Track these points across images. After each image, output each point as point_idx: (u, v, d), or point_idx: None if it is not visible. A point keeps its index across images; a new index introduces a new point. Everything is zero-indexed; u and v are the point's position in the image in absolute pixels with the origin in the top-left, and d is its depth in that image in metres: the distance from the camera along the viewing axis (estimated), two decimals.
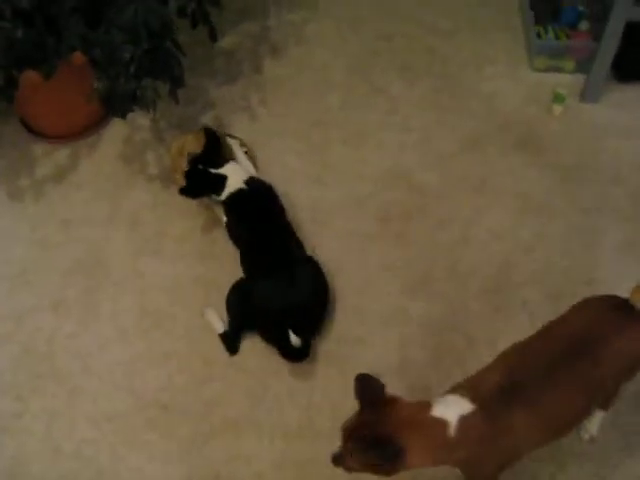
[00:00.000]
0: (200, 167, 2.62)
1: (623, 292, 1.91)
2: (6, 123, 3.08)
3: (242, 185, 2.63)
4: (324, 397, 2.36)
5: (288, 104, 3.17)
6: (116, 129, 3.08)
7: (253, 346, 2.47)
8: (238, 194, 2.63)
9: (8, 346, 2.50)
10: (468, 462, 1.77)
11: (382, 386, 1.73)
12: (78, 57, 2.47)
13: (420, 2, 3.63)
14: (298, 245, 2.59)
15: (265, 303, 2.41)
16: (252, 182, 2.67)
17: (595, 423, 2.20)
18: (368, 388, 1.73)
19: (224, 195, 2.63)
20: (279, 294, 2.40)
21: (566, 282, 2.61)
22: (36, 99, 2.81)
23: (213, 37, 2.83)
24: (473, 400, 1.73)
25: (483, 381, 1.78)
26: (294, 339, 2.33)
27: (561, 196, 2.87)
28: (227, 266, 2.62)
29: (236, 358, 2.45)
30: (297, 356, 2.37)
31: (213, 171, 2.63)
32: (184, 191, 2.63)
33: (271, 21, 3.55)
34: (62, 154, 3.00)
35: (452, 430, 1.69)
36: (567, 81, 3.26)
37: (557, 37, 3.30)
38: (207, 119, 3.09)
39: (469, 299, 2.58)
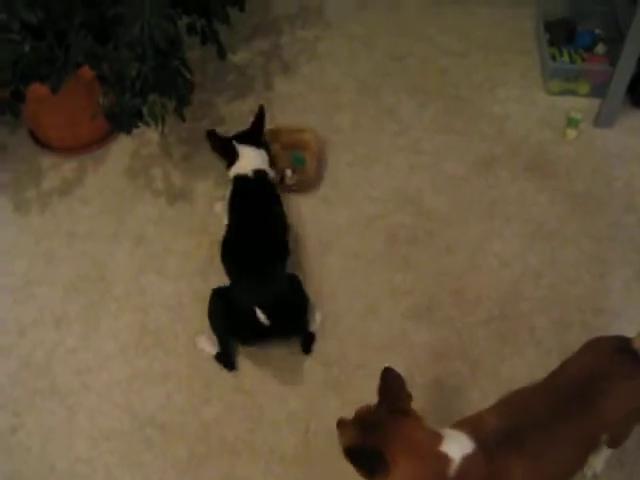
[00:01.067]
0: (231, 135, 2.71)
1: (632, 323, 1.86)
2: (14, 134, 3.09)
3: (249, 172, 2.63)
4: (322, 422, 2.32)
5: (297, 122, 3.15)
6: (124, 143, 3.08)
7: (253, 368, 2.44)
8: (243, 179, 2.62)
9: (7, 360, 2.49)
10: None
11: (406, 393, 1.68)
12: (86, 72, 2.47)
13: (433, 23, 3.63)
14: (281, 261, 2.51)
15: (237, 298, 2.37)
16: (260, 175, 2.65)
17: (601, 460, 2.13)
18: (393, 388, 1.68)
19: (231, 173, 2.65)
20: (250, 290, 2.35)
21: (575, 311, 2.55)
22: (44, 112, 2.81)
23: (222, 55, 2.83)
24: (475, 441, 1.68)
25: (485, 423, 1.73)
26: (262, 316, 2.25)
27: (572, 223, 2.82)
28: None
29: (236, 379, 2.42)
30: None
31: (234, 142, 2.65)
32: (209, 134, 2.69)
33: (283, 38, 3.55)
34: (69, 167, 3.00)
35: (453, 469, 1.64)
36: (582, 105, 3.22)
37: (572, 60, 3.27)
38: None
39: (474, 326, 2.53)
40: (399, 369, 1.67)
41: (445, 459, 1.63)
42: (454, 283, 2.65)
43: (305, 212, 2.84)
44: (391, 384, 1.68)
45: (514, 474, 1.65)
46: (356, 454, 1.63)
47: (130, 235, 2.79)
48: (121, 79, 2.31)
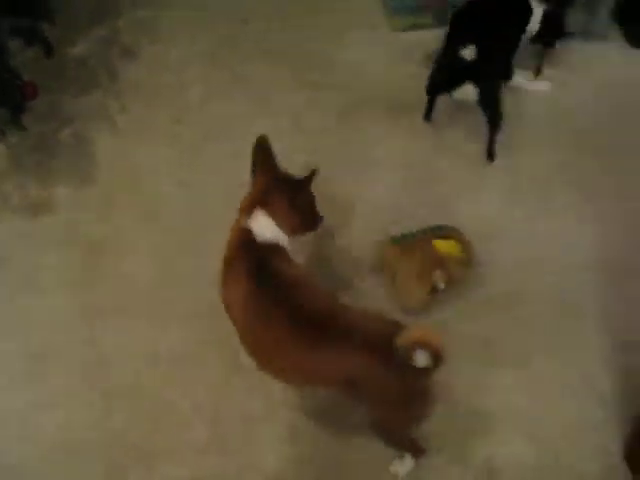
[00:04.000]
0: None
1: None
2: None
3: None
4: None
5: (149, 107, 3.04)
6: None
7: (156, 373, 2.36)
8: None
9: None
10: None
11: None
12: None
13: None
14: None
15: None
16: None
17: (405, 465, 2.11)
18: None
19: None
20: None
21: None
22: None
23: (48, 53, 2.67)
24: None
25: None
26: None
27: (441, 158, 2.86)
28: (111, 292, 2.50)
29: (134, 385, 2.33)
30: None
31: None
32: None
33: (121, 22, 3.39)
34: None
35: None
36: (429, 37, 3.23)
37: None
38: (65, 135, 2.93)
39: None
40: None
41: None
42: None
43: (171, 197, 2.75)
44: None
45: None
46: None
47: None
48: None
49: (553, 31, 2.96)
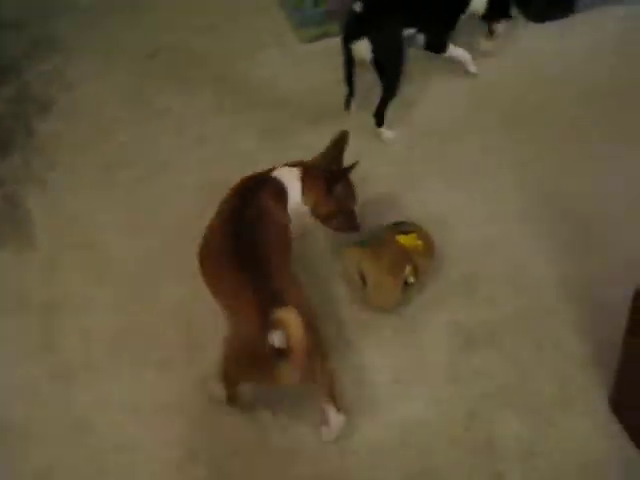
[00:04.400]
0: None
1: None
2: None
3: None
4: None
5: (75, 157, 2.98)
6: None
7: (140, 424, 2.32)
8: None
9: None
10: None
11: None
12: None
13: (177, 9, 3.53)
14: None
15: None
16: None
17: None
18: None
19: None
20: None
21: None
22: None
23: None
24: None
25: None
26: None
27: None
28: (76, 350, 2.43)
29: (121, 443, 2.26)
30: None
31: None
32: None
33: (27, 76, 3.32)
34: None
35: None
36: (337, 45, 3.27)
37: (317, 4, 3.32)
38: None
39: None
40: None
41: None
42: None
43: (116, 246, 2.71)
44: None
45: None
46: None
47: None
48: None
49: (499, 11, 3.10)
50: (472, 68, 3.19)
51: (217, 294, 2.16)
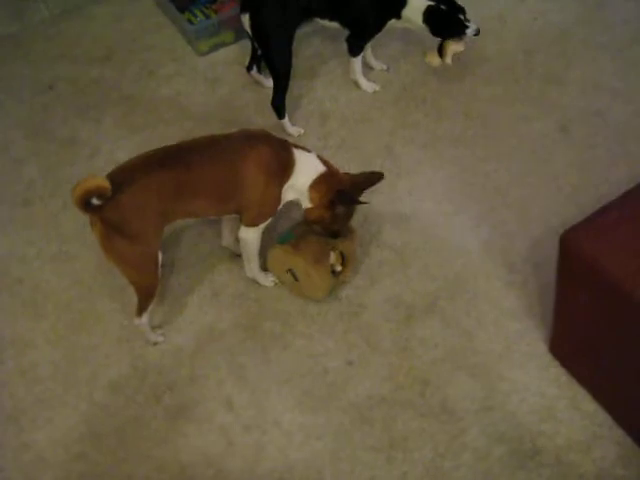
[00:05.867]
0: None
1: None
2: None
3: None
4: None
5: None
6: None
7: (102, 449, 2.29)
8: None
9: None
10: None
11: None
12: None
13: (69, 40, 3.51)
14: None
15: None
16: None
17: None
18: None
19: None
20: None
21: None
22: None
23: None
24: None
25: None
26: None
27: None
28: (21, 390, 2.38)
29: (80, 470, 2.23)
30: None
31: None
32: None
33: None
34: None
35: None
36: (234, 53, 3.36)
37: (207, 16, 3.35)
38: None
39: None
40: None
41: None
42: None
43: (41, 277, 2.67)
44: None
45: None
46: None
47: None
48: None
49: (443, 27, 2.88)
50: (367, 86, 3.20)
51: None
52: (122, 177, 2.15)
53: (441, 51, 2.95)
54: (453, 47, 2.93)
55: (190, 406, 2.30)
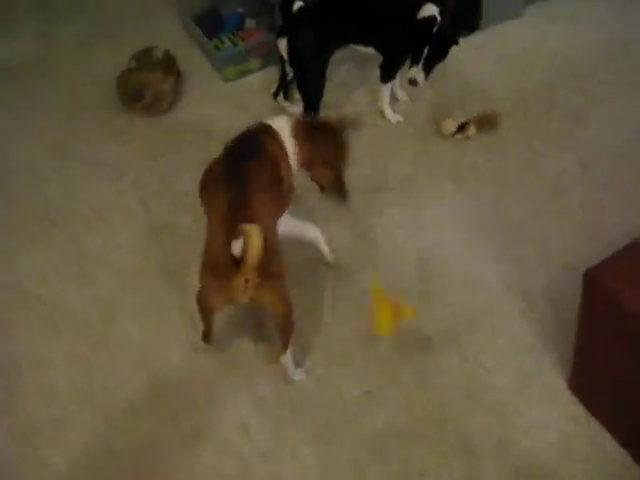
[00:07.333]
0: None
1: None
2: None
3: None
4: None
5: (10, 214, 2.96)
6: None
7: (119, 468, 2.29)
8: None
9: None
10: None
11: None
12: None
13: (94, 61, 3.57)
14: None
15: None
16: None
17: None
18: None
19: None
20: None
21: None
22: None
23: None
24: None
25: None
26: None
27: None
28: (39, 408, 2.38)
29: None
30: None
31: None
32: None
33: None
34: None
35: None
36: (261, 79, 3.41)
37: (234, 43, 3.41)
38: None
39: None
40: None
41: None
42: None
43: (61, 296, 2.68)
44: None
45: None
46: None
47: None
48: None
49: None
50: (390, 117, 3.25)
51: (206, 211, 2.31)
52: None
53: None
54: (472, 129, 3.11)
55: (207, 430, 2.30)
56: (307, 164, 2.44)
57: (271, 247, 2.05)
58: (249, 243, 1.94)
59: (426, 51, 2.85)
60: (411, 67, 2.91)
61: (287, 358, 2.31)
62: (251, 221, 1.99)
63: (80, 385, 2.44)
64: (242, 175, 2.21)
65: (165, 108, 3.29)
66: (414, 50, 2.90)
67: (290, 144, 2.37)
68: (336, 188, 2.52)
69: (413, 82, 2.93)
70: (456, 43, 2.88)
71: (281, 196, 2.34)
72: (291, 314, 2.23)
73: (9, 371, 2.48)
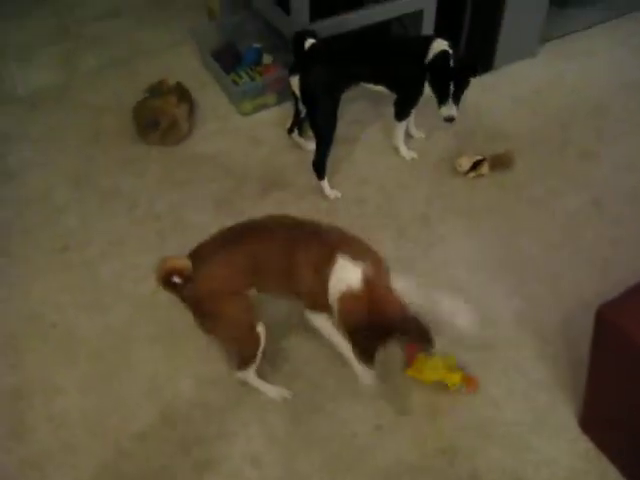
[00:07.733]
0: None
1: None
2: None
3: None
4: None
5: (27, 242, 2.99)
6: None
7: None
8: None
9: None
10: None
11: None
12: None
13: (114, 92, 3.64)
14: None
15: None
16: None
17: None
18: None
19: None
20: None
21: None
22: None
23: None
24: None
25: None
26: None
27: None
28: (49, 436, 2.38)
29: None
30: None
31: None
32: None
33: None
34: None
35: None
36: (275, 115, 3.46)
37: (252, 78, 3.46)
38: None
39: None
40: None
41: None
42: None
43: (81, 324, 2.71)
44: None
45: None
46: None
47: None
48: None
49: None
50: (404, 154, 3.28)
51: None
52: (200, 256, 2.21)
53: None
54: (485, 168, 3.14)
55: (218, 460, 2.29)
56: (343, 319, 2.14)
57: None
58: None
59: (452, 87, 2.85)
60: (441, 106, 2.91)
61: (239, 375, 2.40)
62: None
63: (91, 413, 2.43)
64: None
65: (181, 136, 3.34)
66: (439, 89, 2.89)
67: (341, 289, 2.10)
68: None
69: (449, 119, 2.92)
70: (475, 68, 2.91)
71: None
72: None
73: (21, 397, 2.48)
